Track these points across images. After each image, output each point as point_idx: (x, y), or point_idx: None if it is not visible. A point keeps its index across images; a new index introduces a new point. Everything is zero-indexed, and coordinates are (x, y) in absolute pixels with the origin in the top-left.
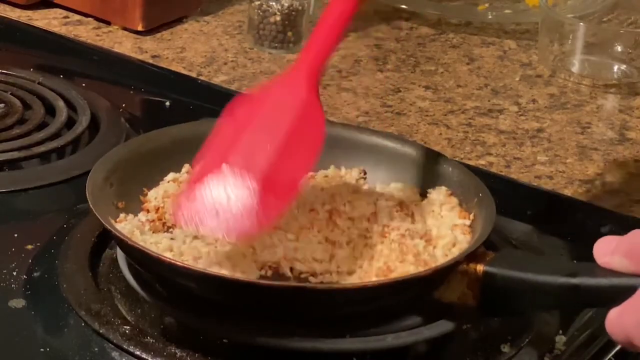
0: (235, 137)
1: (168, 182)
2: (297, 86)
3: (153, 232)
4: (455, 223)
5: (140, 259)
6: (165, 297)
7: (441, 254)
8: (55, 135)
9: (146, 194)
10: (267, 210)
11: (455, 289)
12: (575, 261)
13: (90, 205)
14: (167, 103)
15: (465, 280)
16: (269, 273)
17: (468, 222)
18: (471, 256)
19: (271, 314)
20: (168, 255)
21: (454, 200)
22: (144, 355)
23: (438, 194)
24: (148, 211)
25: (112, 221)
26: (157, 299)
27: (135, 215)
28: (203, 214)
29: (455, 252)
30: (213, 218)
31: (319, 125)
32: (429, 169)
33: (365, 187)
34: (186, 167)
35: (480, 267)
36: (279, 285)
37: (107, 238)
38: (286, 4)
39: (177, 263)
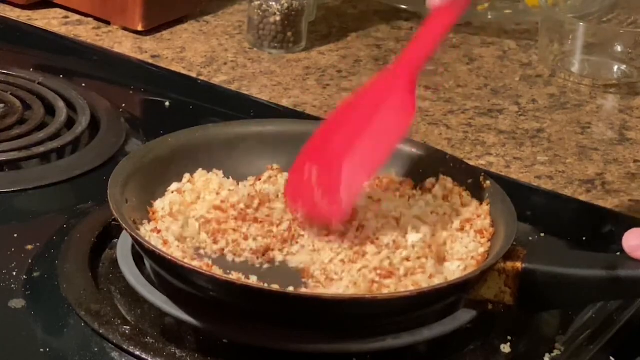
0: (335, 127)
1: (172, 192)
2: (390, 82)
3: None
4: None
5: (181, 273)
6: (166, 297)
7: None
8: (55, 136)
9: (152, 205)
10: (349, 191)
11: (492, 287)
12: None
13: (129, 231)
14: (167, 103)
15: (503, 278)
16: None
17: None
18: (506, 254)
19: (291, 321)
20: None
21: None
22: (144, 356)
23: (443, 185)
24: (157, 221)
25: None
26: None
27: (142, 225)
28: (304, 203)
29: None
30: (311, 206)
31: (407, 112)
32: (429, 165)
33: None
34: (186, 176)
35: (517, 265)
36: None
37: (107, 238)
38: (286, 4)
39: (218, 276)
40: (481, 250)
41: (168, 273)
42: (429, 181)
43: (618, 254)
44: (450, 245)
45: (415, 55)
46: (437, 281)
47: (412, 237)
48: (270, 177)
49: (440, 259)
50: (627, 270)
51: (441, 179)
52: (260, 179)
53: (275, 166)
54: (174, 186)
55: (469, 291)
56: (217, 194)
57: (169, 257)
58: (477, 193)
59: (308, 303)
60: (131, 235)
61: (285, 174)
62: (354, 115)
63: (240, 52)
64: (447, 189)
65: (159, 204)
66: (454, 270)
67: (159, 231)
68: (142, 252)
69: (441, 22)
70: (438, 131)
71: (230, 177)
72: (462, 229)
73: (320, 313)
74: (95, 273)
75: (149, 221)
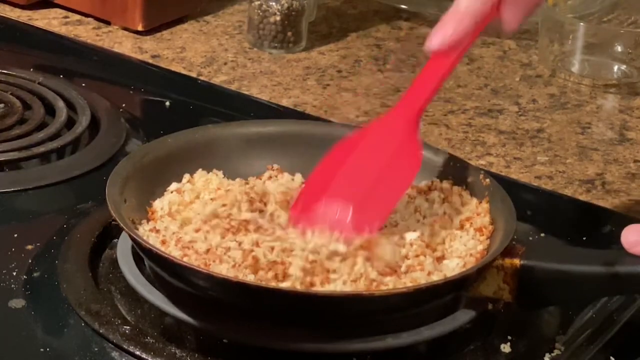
0: (338, 166)
1: (171, 192)
2: (397, 125)
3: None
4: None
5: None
6: (166, 296)
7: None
8: (55, 136)
9: (151, 205)
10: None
11: (490, 284)
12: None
13: (127, 230)
14: (167, 103)
15: (502, 275)
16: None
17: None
18: (504, 251)
19: (289, 319)
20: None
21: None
22: (144, 355)
23: (440, 188)
24: (155, 221)
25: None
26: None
27: (141, 225)
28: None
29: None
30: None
31: (414, 163)
32: (429, 164)
33: None
34: (186, 177)
35: (516, 261)
36: (332, 294)
37: (107, 238)
38: (286, 4)
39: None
40: (480, 247)
41: (166, 272)
42: (425, 183)
43: None
44: (450, 244)
45: (417, 97)
46: (436, 278)
47: (409, 236)
48: (270, 177)
49: (439, 257)
50: (625, 266)
51: (436, 182)
52: (260, 179)
53: (275, 166)
54: (174, 186)
55: (467, 288)
56: (216, 194)
57: (166, 256)
58: (477, 191)
59: (305, 300)
60: (129, 235)
61: (286, 174)
62: (358, 159)
63: (240, 52)
64: (444, 191)
65: (158, 204)
66: (453, 267)
67: (157, 231)
68: (140, 251)
69: (442, 64)
70: (438, 131)
71: (230, 177)
72: (461, 227)
73: (317, 310)
74: (95, 273)
75: (148, 221)
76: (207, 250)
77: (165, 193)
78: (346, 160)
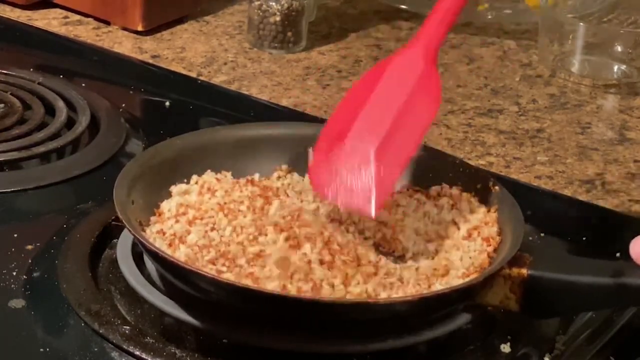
0: (358, 105)
1: (179, 194)
2: (415, 59)
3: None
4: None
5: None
6: (167, 297)
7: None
8: (55, 136)
9: (159, 206)
10: (382, 185)
11: (497, 293)
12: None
13: (133, 232)
14: (167, 103)
15: (508, 285)
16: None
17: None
18: (511, 260)
19: (292, 323)
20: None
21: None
22: (143, 356)
23: (450, 194)
24: (162, 222)
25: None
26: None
27: (148, 227)
28: (337, 189)
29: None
30: (345, 195)
31: (434, 97)
32: (439, 169)
33: None
34: (194, 178)
35: (523, 271)
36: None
37: (107, 238)
38: (286, 4)
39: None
40: (486, 257)
41: (171, 275)
42: (434, 189)
43: (618, 254)
44: (455, 253)
45: (434, 31)
46: (440, 287)
47: (422, 263)
48: (279, 177)
49: (444, 274)
50: (633, 277)
51: (445, 188)
52: (269, 180)
53: (283, 167)
54: (181, 187)
55: (473, 297)
56: (225, 195)
57: (171, 259)
58: (486, 199)
59: (309, 306)
60: (135, 237)
61: (295, 175)
62: (379, 96)
63: (240, 52)
64: (454, 197)
65: (166, 205)
66: (459, 276)
67: (164, 233)
68: (145, 254)
69: None
70: (438, 131)
71: (239, 178)
72: (469, 236)
73: (321, 316)
74: (95, 273)
75: (156, 222)
76: (215, 253)
77: (173, 194)
78: (367, 99)
